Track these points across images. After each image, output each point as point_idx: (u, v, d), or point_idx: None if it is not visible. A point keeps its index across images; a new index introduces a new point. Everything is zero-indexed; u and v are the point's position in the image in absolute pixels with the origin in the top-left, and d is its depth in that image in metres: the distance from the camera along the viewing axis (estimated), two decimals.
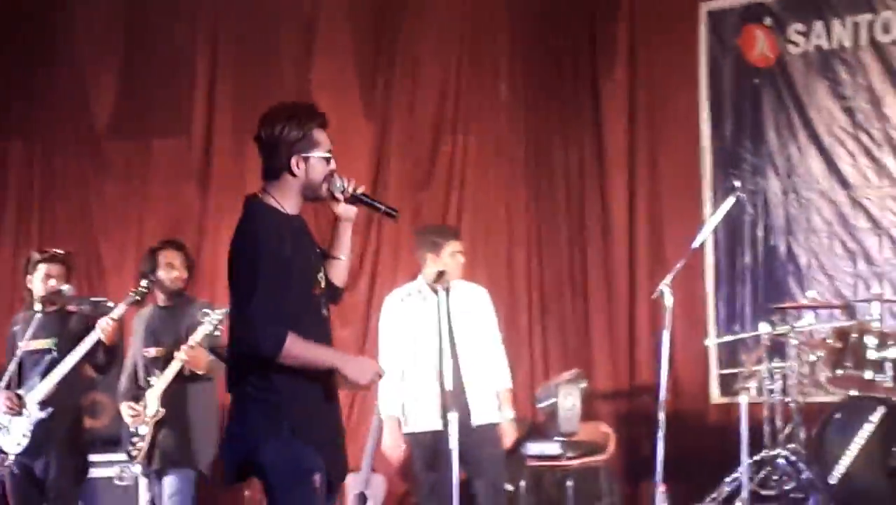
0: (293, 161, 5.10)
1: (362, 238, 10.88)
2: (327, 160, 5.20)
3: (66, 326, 8.12)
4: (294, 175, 5.10)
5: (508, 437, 8.19)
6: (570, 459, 9.60)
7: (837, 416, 8.55)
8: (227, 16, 10.69)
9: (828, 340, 8.83)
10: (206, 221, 10.70)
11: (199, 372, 7.73)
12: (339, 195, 5.21)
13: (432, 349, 7.84)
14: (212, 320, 7.62)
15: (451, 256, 8.09)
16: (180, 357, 7.64)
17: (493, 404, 8.09)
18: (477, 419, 7.90)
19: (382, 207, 5.45)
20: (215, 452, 7.97)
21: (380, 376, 5.32)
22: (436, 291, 7.88)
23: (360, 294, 10.82)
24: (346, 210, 5.31)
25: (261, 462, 5.00)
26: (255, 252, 4.93)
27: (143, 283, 7.89)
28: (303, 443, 4.98)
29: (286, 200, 5.12)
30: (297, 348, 4.90)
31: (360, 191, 5.26)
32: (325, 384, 5.15)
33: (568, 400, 9.58)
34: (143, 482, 8.48)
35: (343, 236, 5.40)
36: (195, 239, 10.50)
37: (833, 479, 8.38)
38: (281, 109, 5.18)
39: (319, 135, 5.20)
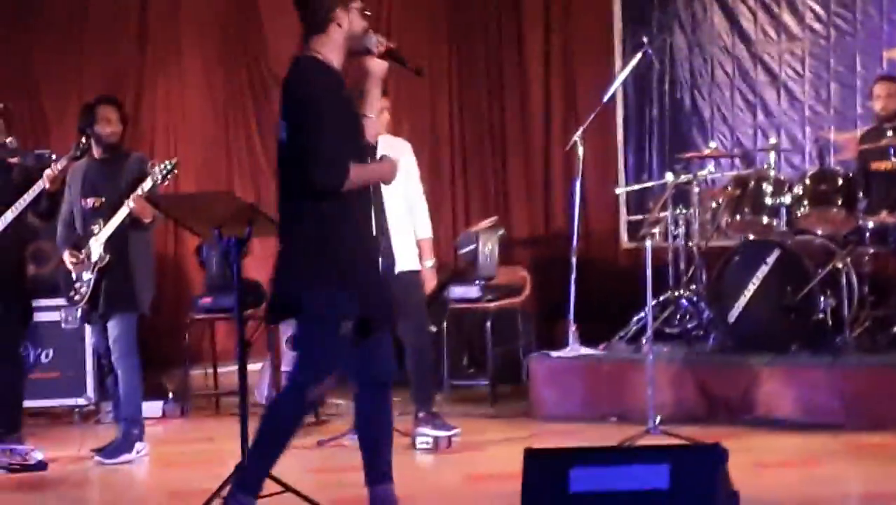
0: (338, 13, 5.22)
1: None
2: (364, 13, 5.36)
3: (8, 177, 8.09)
4: (340, 26, 5.22)
5: (429, 283, 8.30)
6: (489, 301, 9.75)
7: (736, 258, 8.69)
8: None
9: (728, 188, 9.00)
10: (144, 78, 10.57)
11: (146, 220, 7.77)
12: (374, 49, 5.32)
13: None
14: (157, 173, 7.62)
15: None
16: (129, 205, 7.65)
17: (414, 252, 8.17)
18: (401, 266, 7.77)
19: (409, 65, 5.54)
20: (153, 294, 8.19)
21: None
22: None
23: None
24: (379, 65, 5.40)
25: (300, 306, 5.28)
26: (319, 100, 5.13)
27: (83, 138, 7.88)
28: (347, 289, 5.23)
29: (332, 54, 5.25)
30: (356, 173, 5.18)
31: (392, 46, 5.42)
32: (366, 227, 5.41)
33: (487, 246, 9.76)
34: (87, 327, 8.51)
35: (373, 93, 5.48)
36: (133, 94, 10.46)
37: (731, 317, 8.60)
38: None
39: None
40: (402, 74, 10.90)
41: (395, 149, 8.20)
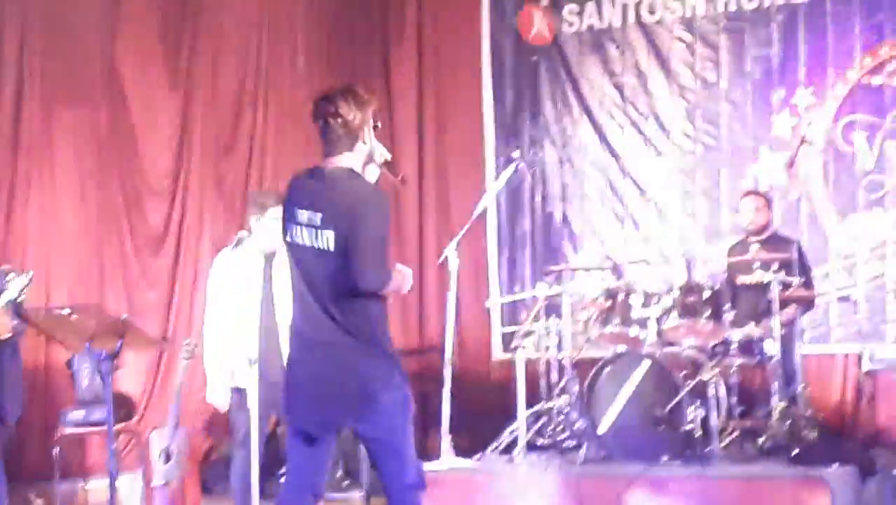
0: (365, 131, 5.36)
1: (168, 205, 10.85)
2: (376, 128, 5.51)
3: None
4: (364, 143, 5.35)
5: None
6: None
7: (607, 370, 8.63)
8: None
9: (598, 300, 8.98)
10: (17, 188, 10.41)
11: (3, 337, 7.50)
12: (378, 160, 5.47)
13: (253, 308, 7.85)
14: (16, 286, 7.18)
15: (273, 220, 7.81)
16: None
17: None
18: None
19: (400, 175, 5.78)
20: (22, 407, 7.88)
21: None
22: (261, 254, 7.90)
23: (167, 258, 10.73)
24: (373, 173, 5.52)
25: (380, 408, 5.26)
26: (372, 213, 5.24)
27: None
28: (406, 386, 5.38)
29: (358, 167, 5.41)
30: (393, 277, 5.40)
31: (389, 158, 5.60)
32: None
33: None
34: None
35: None
36: (5, 204, 10.11)
37: (602, 428, 8.55)
38: (351, 90, 5.41)
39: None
40: (277, 180, 11.04)
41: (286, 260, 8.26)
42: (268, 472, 7.91)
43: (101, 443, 9.35)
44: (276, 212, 7.98)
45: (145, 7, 10.87)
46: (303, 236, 5.39)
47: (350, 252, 5.25)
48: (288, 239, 5.47)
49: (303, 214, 5.39)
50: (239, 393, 7.84)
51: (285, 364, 5.71)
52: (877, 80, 9.81)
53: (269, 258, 7.92)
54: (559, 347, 9.33)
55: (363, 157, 5.42)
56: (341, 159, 5.40)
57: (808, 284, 9.08)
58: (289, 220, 5.44)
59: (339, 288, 5.33)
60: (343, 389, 5.33)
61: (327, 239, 5.31)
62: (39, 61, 10.45)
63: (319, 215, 5.35)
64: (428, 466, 8.64)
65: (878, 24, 9.81)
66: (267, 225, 7.90)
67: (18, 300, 7.38)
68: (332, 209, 5.33)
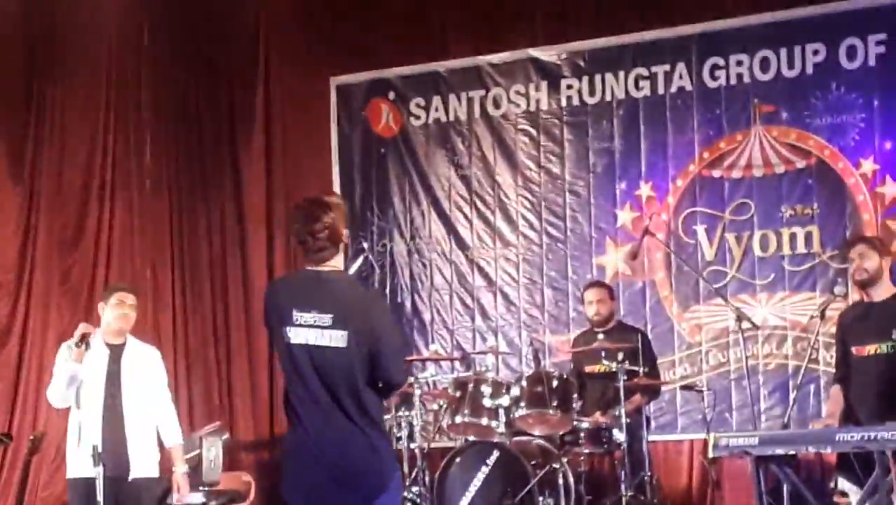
0: (344, 232, 5.51)
1: (13, 299, 10.72)
2: None
3: None
4: (344, 242, 5.54)
5: (184, 488, 8.16)
6: None
7: (457, 460, 8.64)
8: None
9: (448, 390, 9.01)
10: None
11: None
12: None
13: (98, 400, 7.78)
14: None
15: (116, 305, 7.96)
16: None
17: (153, 459, 8.02)
18: (135, 473, 7.79)
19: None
20: None
21: None
22: (109, 345, 7.88)
23: (12, 352, 10.60)
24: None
25: (389, 492, 5.49)
26: (385, 312, 5.79)
27: None
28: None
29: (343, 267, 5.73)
30: None
31: None
32: None
33: (211, 451, 9.45)
34: None
35: None
36: None
37: None
38: (332, 200, 5.56)
39: None
40: (129, 279, 10.94)
41: (144, 355, 8.19)
42: None
43: None
44: (120, 297, 7.99)
45: None
46: (307, 336, 5.46)
47: (379, 353, 5.46)
48: (285, 340, 5.50)
49: (305, 316, 5.48)
50: (84, 484, 7.71)
51: (286, 455, 5.72)
52: (716, 173, 9.97)
53: (115, 351, 7.86)
54: (410, 436, 9.24)
55: (343, 256, 5.63)
56: (331, 263, 5.53)
57: (653, 373, 9.16)
58: (284, 322, 5.50)
59: (354, 382, 5.50)
60: (359, 477, 5.51)
61: (340, 338, 5.45)
62: None
63: (329, 316, 5.46)
64: None
65: (717, 118, 9.98)
66: (109, 311, 7.97)
67: None
68: (344, 310, 5.47)
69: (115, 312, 7.97)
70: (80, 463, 7.75)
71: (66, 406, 7.93)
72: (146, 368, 8.14)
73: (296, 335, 5.45)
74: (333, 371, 5.52)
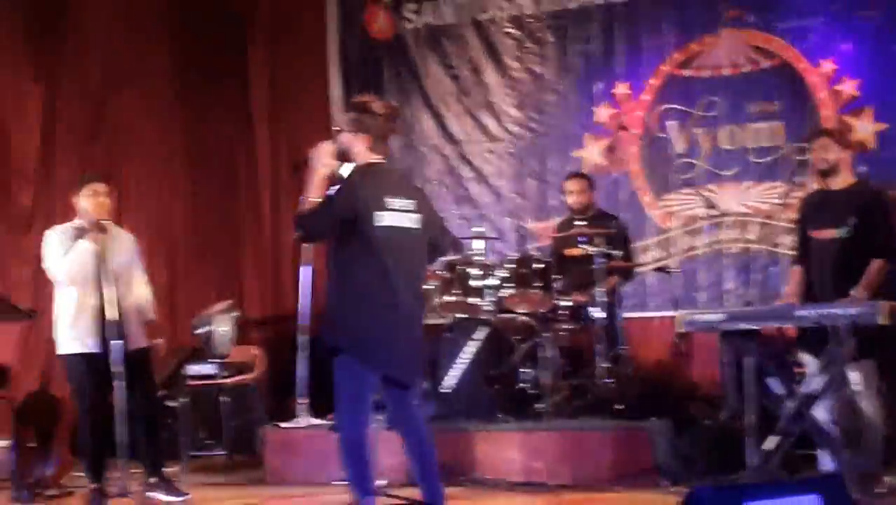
0: None
1: (36, 187, 10.52)
2: None
3: None
4: None
5: (162, 350, 8.13)
6: (224, 377, 9.58)
7: (448, 335, 8.67)
8: None
9: (439, 272, 8.88)
10: None
11: None
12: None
13: (93, 280, 7.60)
14: None
15: (89, 196, 7.78)
16: None
17: (142, 332, 7.87)
18: (135, 344, 7.69)
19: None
20: None
21: None
22: (95, 228, 7.64)
23: (37, 237, 10.38)
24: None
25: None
26: None
27: None
28: None
29: None
30: None
31: None
32: None
33: (221, 327, 9.25)
34: None
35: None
36: None
37: (444, 388, 8.50)
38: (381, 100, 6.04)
39: None
40: (145, 169, 10.78)
41: (122, 239, 7.98)
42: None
43: None
44: (94, 188, 7.80)
45: (10, 8, 10.47)
46: (398, 220, 5.74)
47: (442, 229, 6.20)
48: (374, 223, 5.68)
49: (394, 202, 5.75)
50: (83, 359, 7.66)
51: (365, 323, 5.88)
52: (687, 73, 9.96)
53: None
54: None
55: None
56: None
57: (628, 257, 9.16)
58: (376, 207, 5.68)
59: (423, 263, 6.03)
60: (420, 354, 6.15)
61: (417, 221, 5.85)
62: None
63: (412, 202, 5.85)
64: (285, 425, 8.71)
65: (689, 21, 9.95)
66: (82, 201, 7.77)
67: None
68: (417, 197, 5.96)
69: (91, 201, 7.76)
70: (77, 339, 7.68)
71: (72, 285, 7.72)
72: (125, 250, 7.96)
73: (387, 219, 5.67)
74: (413, 253, 5.85)
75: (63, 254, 7.69)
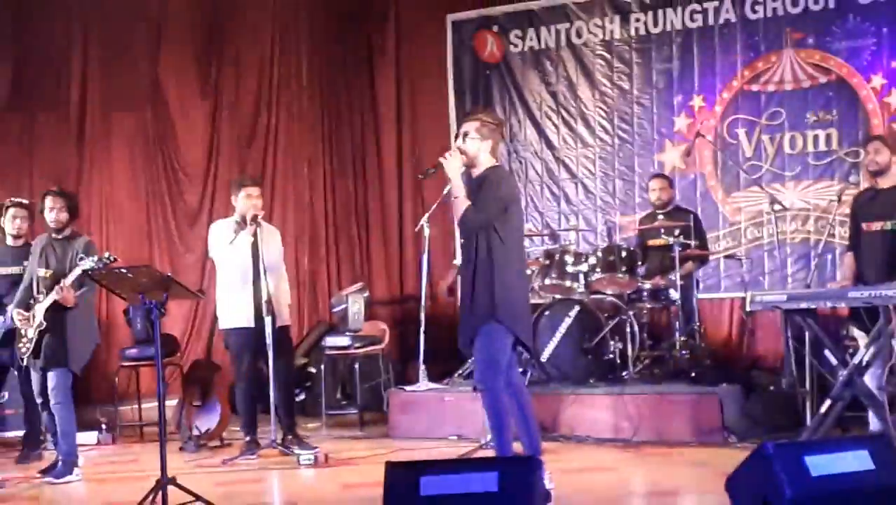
0: None
1: (202, 187, 10.86)
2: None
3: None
4: None
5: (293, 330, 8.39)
6: (356, 348, 9.63)
7: (546, 312, 8.70)
8: (95, 16, 10.16)
9: (539, 259, 9.08)
10: (82, 174, 10.23)
11: (68, 305, 7.33)
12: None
13: (250, 268, 7.84)
14: (83, 266, 7.15)
15: (245, 197, 7.99)
16: (53, 296, 7.28)
17: (287, 312, 8.10)
18: (279, 322, 7.84)
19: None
20: (90, 356, 7.74)
21: None
22: (251, 223, 7.83)
23: (202, 229, 10.52)
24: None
25: None
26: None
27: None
28: None
29: None
30: None
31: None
32: None
33: (355, 305, 9.66)
34: (33, 378, 7.69)
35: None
36: (73, 187, 9.85)
37: (544, 357, 8.64)
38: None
39: None
40: (288, 168, 11.06)
41: (272, 233, 8.23)
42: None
43: (151, 374, 9.31)
44: (248, 190, 8.05)
45: (181, 34, 10.92)
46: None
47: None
48: (519, 215, 6.23)
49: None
50: (240, 333, 7.95)
51: (520, 297, 6.15)
52: (755, 87, 9.92)
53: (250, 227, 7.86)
54: None
55: None
56: None
57: (702, 246, 9.17)
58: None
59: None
60: None
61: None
62: (99, 74, 10.46)
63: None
64: (408, 389, 8.95)
65: (755, 43, 9.91)
66: (240, 201, 8.00)
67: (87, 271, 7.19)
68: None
69: (245, 202, 7.98)
70: (236, 316, 7.93)
71: (232, 270, 7.96)
72: (275, 243, 8.18)
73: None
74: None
75: (226, 244, 7.95)
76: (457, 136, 6.19)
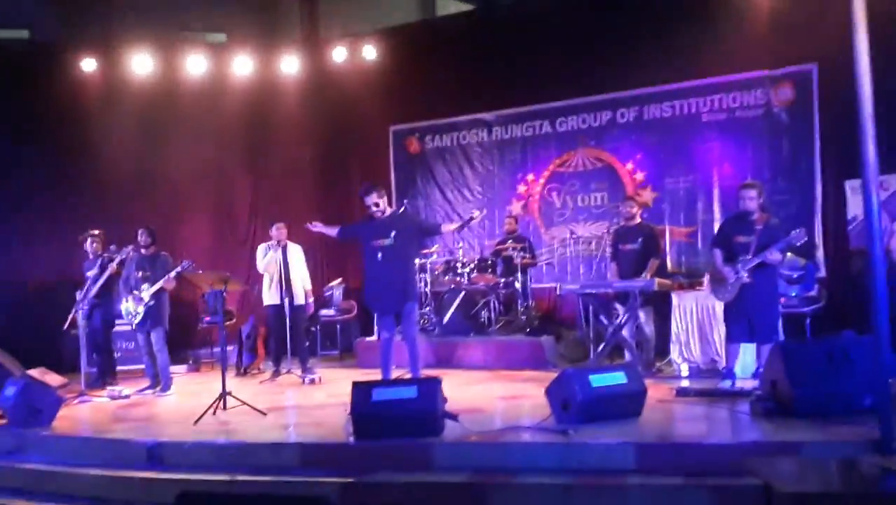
0: None
1: (246, 225, 10.38)
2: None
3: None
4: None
5: (310, 309, 7.88)
6: (338, 316, 9.41)
7: (446, 296, 8.50)
8: None
9: (441, 265, 8.71)
10: (174, 214, 9.77)
11: (168, 288, 7.03)
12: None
13: (277, 270, 7.66)
14: (178, 269, 6.80)
15: (276, 229, 7.80)
16: (161, 284, 6.96)
17: (302, 295, 7.73)
18: (296, 301, 7.62)
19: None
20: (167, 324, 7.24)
21: None
22: (278, 244, 7.71)
23: (247, 249, 10.18)
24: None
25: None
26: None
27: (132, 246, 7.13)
28: None
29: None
30: None
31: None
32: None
33: (336, 291, 9.41)
34: (140, 335, 7.23)
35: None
36: (173, 224, 9.50)
37: (444, 320, 8.45)
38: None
39: None
40: (295, 217, 10.12)
41: (294, 249, 7.85)
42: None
43: (217, 331, 8.79)
44: (277, 226, 7.76)
45: (232, 132, 10.19)
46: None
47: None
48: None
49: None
50: (273, 308, 7.64)
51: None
52: (562, 170, 9.53)
53: (282, 248, 7.64)
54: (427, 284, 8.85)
55: None
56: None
57: (532, 256, 8.88)
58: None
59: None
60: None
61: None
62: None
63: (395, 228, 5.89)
64: (368, 339, 8.53)
65: (562, 145, 9.54)
66: (273, 231, 7.77)
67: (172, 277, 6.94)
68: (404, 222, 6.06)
69: (276, 232, 7.81)
70: (270, 297, 7.69)
71: (267, 273, 7.75)
72: (296, 254, 7.90)
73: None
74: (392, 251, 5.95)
75: (262, 258, 7.75)
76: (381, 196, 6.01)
